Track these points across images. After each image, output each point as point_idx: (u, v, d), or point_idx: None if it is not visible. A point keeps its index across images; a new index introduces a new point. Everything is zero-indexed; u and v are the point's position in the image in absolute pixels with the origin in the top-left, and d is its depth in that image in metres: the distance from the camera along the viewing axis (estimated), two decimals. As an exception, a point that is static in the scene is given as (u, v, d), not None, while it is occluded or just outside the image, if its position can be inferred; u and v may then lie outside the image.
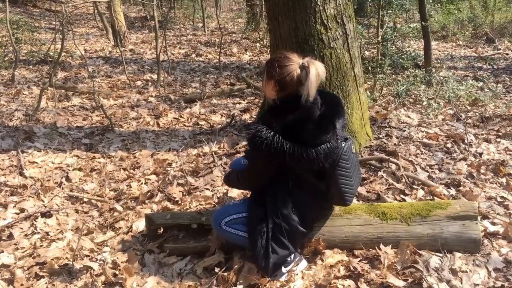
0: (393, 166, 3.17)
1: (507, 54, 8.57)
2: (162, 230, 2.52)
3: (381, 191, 2.85)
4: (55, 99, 5.01)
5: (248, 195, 2.39)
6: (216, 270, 2.16)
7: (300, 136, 1.92)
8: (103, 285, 2.19)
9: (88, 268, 2.30)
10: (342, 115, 2.07)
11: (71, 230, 2.71)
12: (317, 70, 1.94)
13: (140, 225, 2.66)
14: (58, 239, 2.60)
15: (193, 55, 8.59)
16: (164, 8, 12.85)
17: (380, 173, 3.09)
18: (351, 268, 2.13)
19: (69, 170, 3.52)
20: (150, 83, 6.44)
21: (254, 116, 4.57)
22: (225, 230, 2.13)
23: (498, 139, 3.76)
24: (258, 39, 9.99)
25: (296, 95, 1.97)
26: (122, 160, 3.71)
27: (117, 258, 2.34)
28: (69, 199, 3.11)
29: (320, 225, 2.27)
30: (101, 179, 3.38)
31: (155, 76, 6.64)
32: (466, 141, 3.61)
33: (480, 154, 3.44)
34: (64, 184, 3.32)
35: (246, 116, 4.76)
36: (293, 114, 1.95)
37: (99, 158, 3.77)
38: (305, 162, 1.92)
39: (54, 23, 11.55)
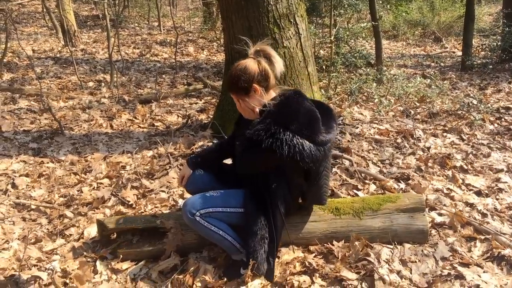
0: (347, 162, 3.25)
1: (453, 52, 9.01)
2: (115, 236, 2.44)
3: (335, 187, 2.91)
4: (-1, 102, 4.76)
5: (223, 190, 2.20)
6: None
7: (316, 135, 1.90)
8: (53, 295, 2.10)
9: (37, 278, 2.19)
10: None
11: (18, 239, 2.58)
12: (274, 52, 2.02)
13: (92, 231, 2.57)
14: (3, 249, 2.46)
15: (148, 55, 8.42)
16: (117, 7, 12.49)
17: (334, 170, 3.16)
18: (307, 263, 2.16)
19: (15, 176, 3.35)
20: (103, 83, 6.24)
21: (211, 116, 4.53)
22: (199, 223, 2.00)
23: (445, 134, 3.94)
24: (215, 38, 9.93)
25: (293, 91, 2.01)
26: (73, 164, 3.57)
27: (67, 266, 2.25)
28: (16, 206, 2.96)
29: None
30: (50, 185, 3.24)
31: (108, 77, 6.45)
32: (414, 136, 3.76)
33: (428, 148, 3.60)
34: (10, 191, 3.15)
35: (203, 116, 4.72)
36: (303, 113, 1.91)
37: (47, 163, 3.60)
38: (317, 161, 1.93)
39: (-2, 21, 10.95)
